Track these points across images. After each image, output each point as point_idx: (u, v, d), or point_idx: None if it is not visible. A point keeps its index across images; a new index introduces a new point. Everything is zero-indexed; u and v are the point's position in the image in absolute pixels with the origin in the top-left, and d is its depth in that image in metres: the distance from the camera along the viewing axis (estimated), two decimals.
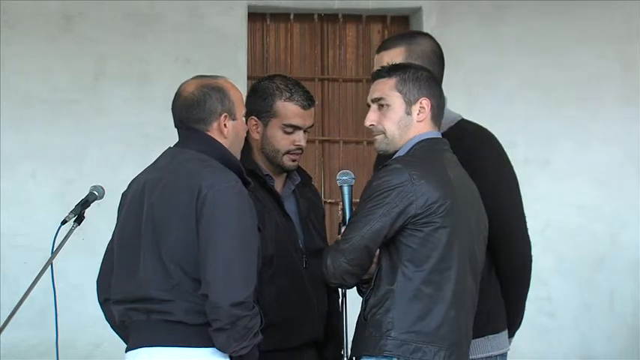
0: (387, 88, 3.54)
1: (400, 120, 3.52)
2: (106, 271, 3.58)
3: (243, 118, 3.58)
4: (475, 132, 3.77)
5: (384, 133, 3.55)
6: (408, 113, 3.51)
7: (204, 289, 3.25)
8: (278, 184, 3.95)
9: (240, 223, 3.31)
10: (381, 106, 3.55)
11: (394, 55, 3.74)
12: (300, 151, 3.91)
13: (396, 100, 3.53)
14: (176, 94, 3.52)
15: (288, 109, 3.87)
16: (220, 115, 3.47)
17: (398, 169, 3.39)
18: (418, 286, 3.35)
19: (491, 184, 3.59)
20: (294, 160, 3.92)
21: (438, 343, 3.35)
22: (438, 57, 3.81)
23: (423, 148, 3.48)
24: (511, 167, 3.76)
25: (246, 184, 3.43)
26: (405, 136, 3.52)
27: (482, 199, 3.55)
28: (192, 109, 3.47)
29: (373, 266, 3.45)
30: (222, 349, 3.28)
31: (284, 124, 3.87)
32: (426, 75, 3.56)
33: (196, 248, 3.29)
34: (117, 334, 3.59)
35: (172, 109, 3.53)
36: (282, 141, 3.88)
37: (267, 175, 3.89)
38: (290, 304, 3.79)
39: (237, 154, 3.54)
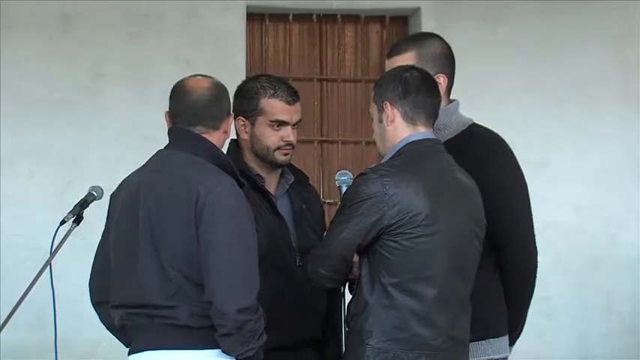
0: (371, 102, 3.56)
1: (377, 130, 3.52)
2: (97, 273, 3.57)
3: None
4: (486, 136, 3.74)
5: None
6: (380, 121, 3.49)
7: (209, 296, 3.22)
8: (272, 184, 3.96)
9: (240, 227, 3.29)
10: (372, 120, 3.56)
11: (406, 60, 3.71)
12: (290, 147, 3.93)
13: (373, 111, 3.53)
14: (183, 89, 3.48)
15: (273, 105, 3.90)
16: (228, 113, 3.50)
17: (371, 180, 3.34)
18: (395, 296, 3.31)
19: (503, 189, 3.57)
20: (286, 154, 3.93)
21: (418, 349, 3.31)
22: (448, 58, 3.81)
23: (404, 153, 3.42)
24: (521, 172, 3.72)
25: (240, 185, 3.42)
26: (387, 144, 3.48)
27: (493, 204, 3.51)
28: (210, 105, 3.45)
29: (356, 270, 3.43)
30: (228, 353, 3.27)
31: (271, 121, 3.90)
32: (390, 75, 3.52)
33: (197, 254, 3.26)
34: (115, 336, 3.57)
35: (181, 104, 3.46)
36: (271, 137, 3.91)
37: (257, 175, 3.91)
38: (284, 303, 3.79)
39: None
